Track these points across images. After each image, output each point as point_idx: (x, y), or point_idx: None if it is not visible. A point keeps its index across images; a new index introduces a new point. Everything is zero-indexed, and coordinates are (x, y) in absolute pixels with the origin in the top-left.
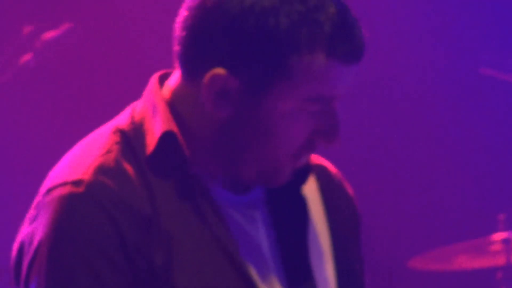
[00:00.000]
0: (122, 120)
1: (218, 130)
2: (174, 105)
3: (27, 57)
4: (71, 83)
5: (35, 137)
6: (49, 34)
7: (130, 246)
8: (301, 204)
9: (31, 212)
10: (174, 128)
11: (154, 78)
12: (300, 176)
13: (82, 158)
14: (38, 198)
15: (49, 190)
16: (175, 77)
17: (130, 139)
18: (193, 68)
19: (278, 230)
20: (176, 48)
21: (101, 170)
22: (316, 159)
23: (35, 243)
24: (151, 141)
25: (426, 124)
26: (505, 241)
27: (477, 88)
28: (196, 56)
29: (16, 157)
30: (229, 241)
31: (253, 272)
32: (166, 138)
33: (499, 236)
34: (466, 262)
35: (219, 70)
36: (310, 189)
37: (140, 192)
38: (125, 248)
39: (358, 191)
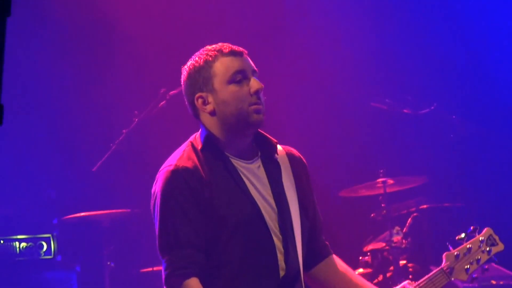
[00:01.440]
0: (192, 137)
1: (217, 117)
2: (206, 127)
3: (162, 103)
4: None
5: (166, 147)
6: (173, 92)
7: (195, 191)
8: (278, 167)
9: (155, 180)
10: (209, 133)
11: None
12: (273, 151)
13: (174, 155)
14: (157, 174)
15: (161, 170)
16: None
17: (194, 144)
18: (194, 110)
19: (269, 179)
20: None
21: (181, 159)
22: (288, 149)
23: (155, 193)
24: (200, 143)
25: (356, 123)
26: (383, 182)
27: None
28: (191, 104)
29: (155, 161)
30: (244, 185)
31: (258, 202)
32: (207, 138)
33: (380, 180)
34: (366, 192)
35: (198, 94)
36: (285, 162)
37: (198, 167)
38: (193, 192)
39: (311, 163)
